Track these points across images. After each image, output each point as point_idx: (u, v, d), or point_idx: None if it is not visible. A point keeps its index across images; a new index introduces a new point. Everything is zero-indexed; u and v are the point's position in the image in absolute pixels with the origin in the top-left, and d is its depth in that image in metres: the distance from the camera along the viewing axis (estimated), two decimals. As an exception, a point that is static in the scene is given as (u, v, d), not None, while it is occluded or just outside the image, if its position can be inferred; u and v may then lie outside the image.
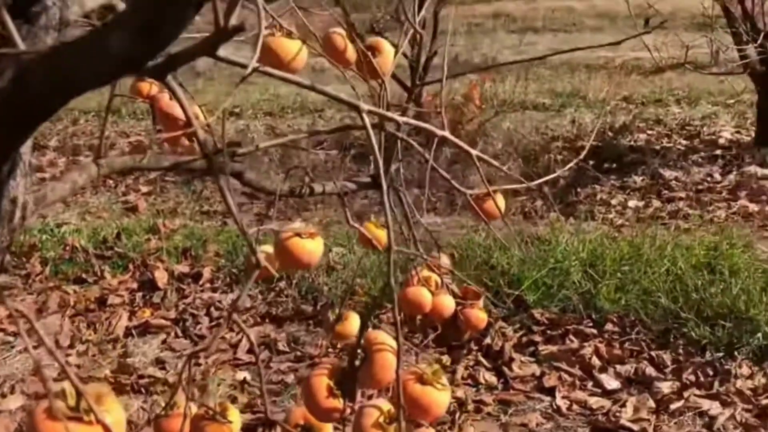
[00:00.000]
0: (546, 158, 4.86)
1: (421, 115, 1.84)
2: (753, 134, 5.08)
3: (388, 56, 1.44)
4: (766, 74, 4.71)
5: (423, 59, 5.61)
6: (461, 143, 0.78)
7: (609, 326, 2.68)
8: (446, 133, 0.79)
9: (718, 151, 4.91)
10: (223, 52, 0.57)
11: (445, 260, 1.24)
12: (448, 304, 1.17)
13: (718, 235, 3.25)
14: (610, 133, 5.44)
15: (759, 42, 4.42)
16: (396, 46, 1.54)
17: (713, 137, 5.32)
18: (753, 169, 4.43)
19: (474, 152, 0.80)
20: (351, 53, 1.42)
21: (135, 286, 3.28)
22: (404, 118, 0.72)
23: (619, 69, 8.04)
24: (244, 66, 0.60)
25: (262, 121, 6.81)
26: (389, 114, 0.73)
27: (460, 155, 4.96)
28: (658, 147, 5.14)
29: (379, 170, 0.68)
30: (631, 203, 4.15)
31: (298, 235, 0.91)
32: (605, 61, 8.70)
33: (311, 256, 0.97)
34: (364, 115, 0.65)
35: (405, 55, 4.65)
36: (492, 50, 8.98)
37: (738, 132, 5.39)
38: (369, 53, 1.42)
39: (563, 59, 8.83)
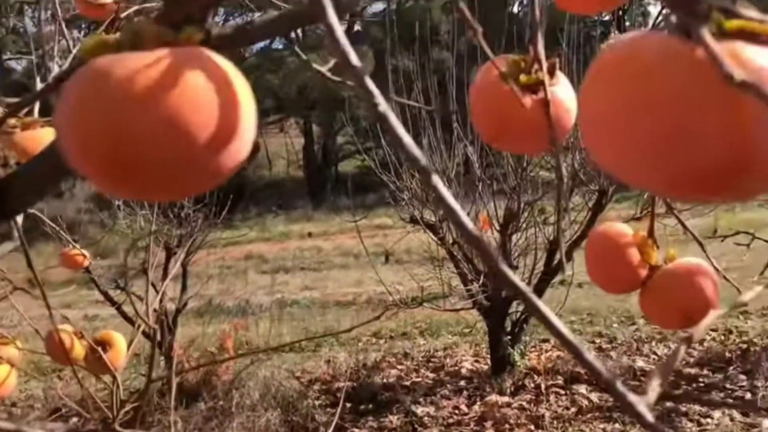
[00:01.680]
0: (305, 404, 4.81)
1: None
2: (489, 363, 5.52)
3: (120, 350, 1.36)
4: (491, 308, 5.25)
5: (173, 312, 5.47)
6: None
7: None
8: None
9: (462, 382, 5.22)
10: None
11: None
12: None
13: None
14: (363, 371, 5.59)
15: (481, 281, 4.97)
16: (130, 343, 1.47)
17: (456, 368, 5.68)
18: (494, 397, 4.75)
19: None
20: (78, 350, 1.33)
21: None
22: None
23: (366, 305, 8.50)
24: None
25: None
26: None
27: (216, 410, 4.74)
28: (408, 383, 5.36)
29: None
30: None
31: None
32: (353, 296, 9.18)
33: None
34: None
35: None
36: (246, 292, 9.08)
37: (477, 361, 5.83)
38: (99, 349, 1.34)
39: (314, 297, 9.17)
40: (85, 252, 2.46)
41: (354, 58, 0.43)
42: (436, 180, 0.42)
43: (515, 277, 0.39)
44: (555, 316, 0.37)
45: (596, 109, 0.37)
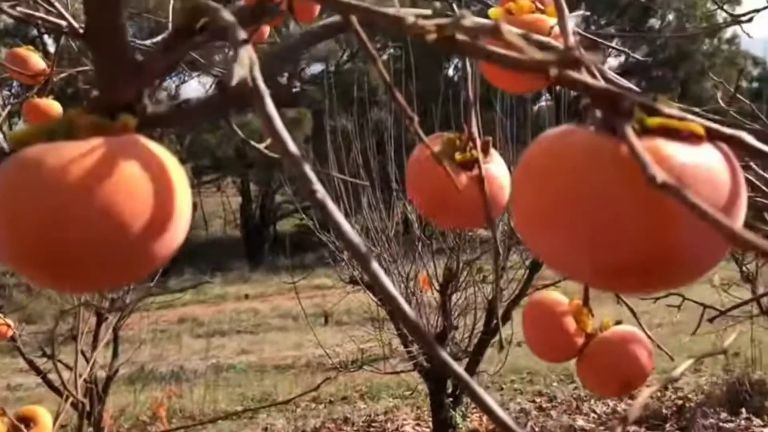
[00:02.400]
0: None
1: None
2: (431, 426, 5.47)
3: (45, 427, 1.30)
4: (432, 370, 5.23)
5: (104, 379, 5.25)
6: None
7: None
8: None
9: (404, 446, 5.15)
10: None
11: None
12: None
13: None
14: (303, 439, 5.45)
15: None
16: (57, 415, 1.41)
17: (397, 432, 5.61)
18: (436, 461, 4.69)
19: None
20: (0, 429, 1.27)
21: None
22: None
23: (305, 368, 8.34)
24: None
25: None
26: None
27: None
28: (349, 449, 5.25)
29: None
30: None
31: None
32: (292, 360, 9.01)
33: None
34: None
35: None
36: (180, 357, 8.82)
37: (418, 425, 5.77)
38: (22, 426, 1.28)
39: (251, 361, 8.96)
40: (9, 321, 2.36)
41: (292, 146, 0.44)
42: (376, 267, 0.43)
43: (455, 364, 0.40)
44: (493, 402, 0.38)
45: (526, 201, 0.38)
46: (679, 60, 17.69)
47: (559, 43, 0.79)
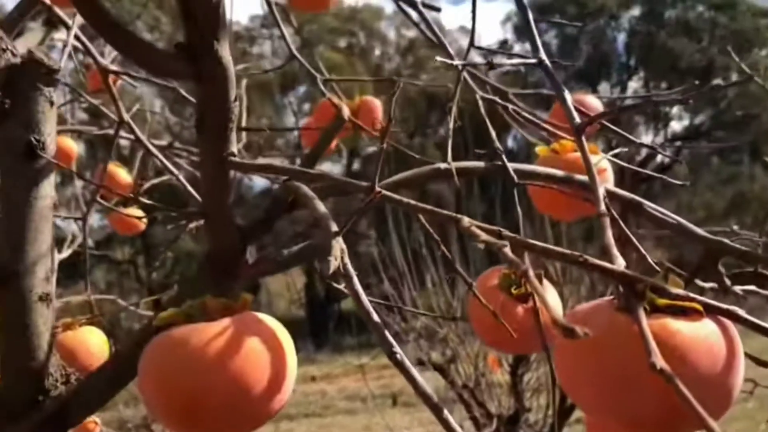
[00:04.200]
0: None
1: None
2: None
3: None
4: (503, 453, 5.15)
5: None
6: None
7: None
8: None
9: None
10: None
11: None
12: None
13: None
14: None
15: (494, 426, 4.91)
16: None
17: None
18: None
19: None
20: None
21: None
22: None
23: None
24: None
25: None
26: None
27: None
28: None
29: None
30: None
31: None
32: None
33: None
34: None
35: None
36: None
37: None
38: None
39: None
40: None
41: (375, 316, 0.55)
42: (447, 415, 0.53)
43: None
44: None
45: (566, 365, 0.49)
46: (746, 122, 17.42)
47: (602, 180, 0.89)
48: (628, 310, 0.47)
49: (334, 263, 0.54)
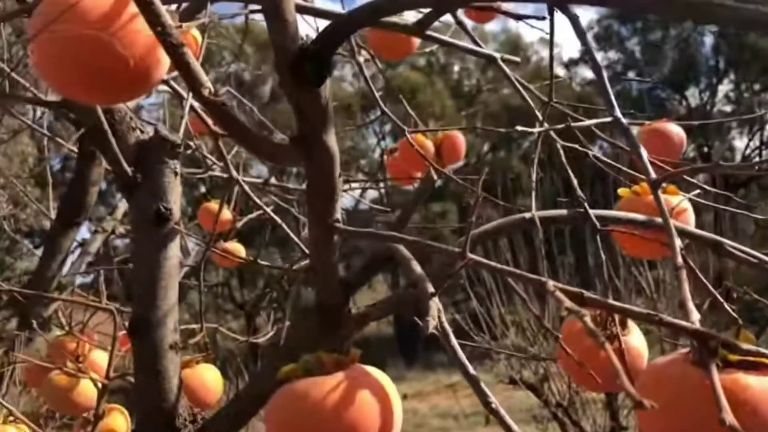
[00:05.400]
0: None
1: None
2: None
3: None
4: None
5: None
6: None
7: None
8: None
9: None
10: None
11: None
12: None
13: None
14: None
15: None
16: None
17: None
18: None
19: None
20: None
21: None
22: None
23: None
24: None
25: None
26: None
27: None
28: None
29: None
30: None
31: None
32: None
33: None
34: None
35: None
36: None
37: None
38: None
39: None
40: None
41: (471, 369, 0.62)
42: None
43: None
44: None
45: (644, 413, 0.54)
46: None
47: (680, 223, 0.93)
48: (702, 365, 0.51)
49: (432, 323, 0.61)
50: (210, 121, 1.19)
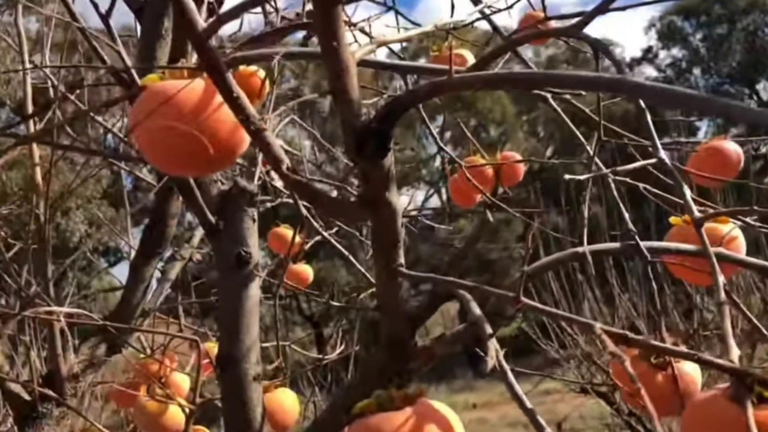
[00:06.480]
0: None
1: None
2: None
3: None
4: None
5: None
6: None
7: None
8: None
9: None
10: None
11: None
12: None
13: None
14: None
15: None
16: None
17: None
18: None
19: None
20: None
21: None
22: None
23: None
24: None
25: None
26: None
27: None
28: None
29: None
30: None
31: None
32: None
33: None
34: None
35: None
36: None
37: None
38: None
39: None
40: None
41: (526, 401, 0.68)
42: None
43: None
44: None
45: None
46: None
47: (730, 251, 0.96)
48: (738, 401, 0.57)
49: (491, 362, 0.67)
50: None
